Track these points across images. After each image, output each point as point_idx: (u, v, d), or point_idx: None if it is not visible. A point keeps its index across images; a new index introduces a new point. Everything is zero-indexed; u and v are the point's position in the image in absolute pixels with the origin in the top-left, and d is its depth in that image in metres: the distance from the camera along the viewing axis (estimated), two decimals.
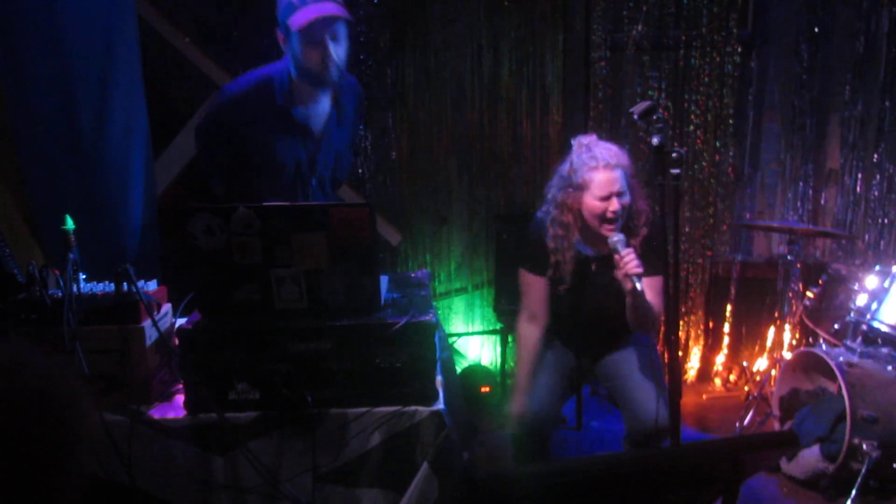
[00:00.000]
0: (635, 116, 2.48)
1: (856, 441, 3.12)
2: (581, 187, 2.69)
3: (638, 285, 2.54)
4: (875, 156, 4.37)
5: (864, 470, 3.06)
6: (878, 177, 4.39)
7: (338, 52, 2.56)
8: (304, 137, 2.72)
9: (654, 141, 2.28)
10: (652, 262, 2.64)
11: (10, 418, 1.06)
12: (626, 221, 2.69)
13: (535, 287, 2.90)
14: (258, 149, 2.69)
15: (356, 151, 4.24)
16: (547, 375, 2.94)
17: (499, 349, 4.32)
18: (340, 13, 2.54)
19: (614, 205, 2.64)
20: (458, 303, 4.62)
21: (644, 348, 2.92)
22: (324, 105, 2.72)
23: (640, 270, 2.55)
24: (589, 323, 2.92)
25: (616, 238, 2.62)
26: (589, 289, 2.85)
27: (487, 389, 4.24)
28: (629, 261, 2.56)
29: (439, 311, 4.51)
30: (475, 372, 4.35)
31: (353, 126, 2.84)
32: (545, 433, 2.95)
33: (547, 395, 2.89)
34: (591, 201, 2.67)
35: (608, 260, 2.73)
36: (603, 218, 2.66)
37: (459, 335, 4.56)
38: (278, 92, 2.63)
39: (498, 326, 4.28)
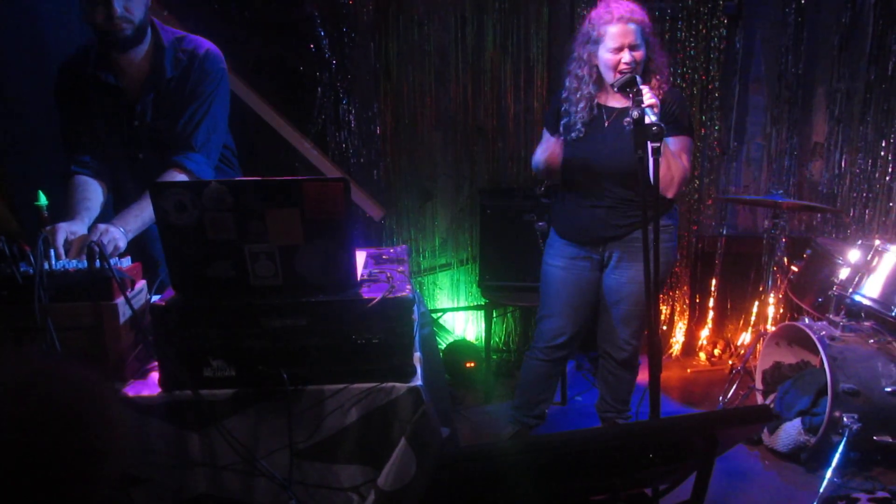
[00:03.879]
0: (615, 89, 2.46)
1: (837, 414, 3.14)
2: (597, 41, 2.80)
3: (653, 117, 2.43)
4: (861, 129, 4.36)
5: (843, 442, 3.09)
6: (862, 150, 4.38)
7: (128, 5, 2.32)
8: (121, 106, 2.54)
9: (634, 114, 2.26)
10: (673, 121, 2.80)
11: (37, 431, 1.05)
12: (634, 76, 2.59)
13: (549, 142, 3.06)
14: (82, 117, 2.56)
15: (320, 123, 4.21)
16: (569, 312, 3.15)
17: (484, 324, 4.32)
18: None
19: (626, 56, 2.74)
20: (444, 278, 4.61)
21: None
22: (140, 69, 2.52)
23: (654, 101, 2.49)
24: (602, 176, 2.94)
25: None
26: (602, 141, 2.91)
27: (472, 365, 4.25)
28: (645, 93, 2.52)
29: (424, 287, 4.50)
30: (460, 347, 4.35)
31: (192, 94, 2.55)
32: (562, 364, 3.37)
33: (570, 331, 3.19)
34: (605, 54, 2.79)
35: (622, 114, 2.83)
36: (616, 70, 2.76)
37: (444, 311, 4.55)
38: (91, 58, 2.48)
39: (483, 302, 4.28)
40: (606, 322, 3.22)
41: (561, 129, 3.01)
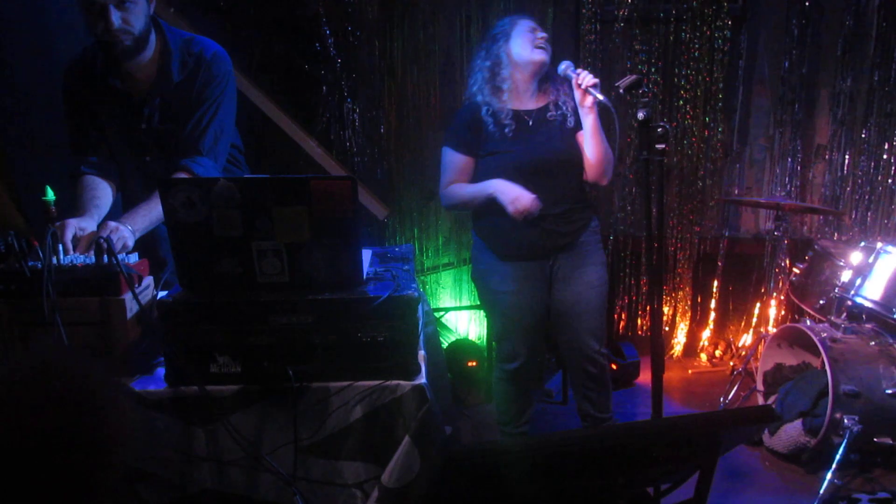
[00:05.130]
0: (621, 90, 2.47)
1: (837, 415, 3.15)
2: (510, 33, 2.86)
3: (599, 97, 2.65)
4: (863, 131, 4.36)
5: (844, 443, 3.09)
6: (865, 152, 4.39)
7: (126, 17, 2.31)
8: (128, 109, 2.55)
9: (640, 115, 2.27)
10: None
11: (44, 420, 1.07)
12: (641, 77, 2.60)
13: (457, 165, 2.94)
14: (89, 119, 2.57)
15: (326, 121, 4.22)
16: (528, 335, 3.06)
17: (486, 324, 4.33)
18: None
19: (541, 32, 2.84)
20: (446, 277, 4.62)
21: (596, 267, 3.01)
22: (147, 72, 2.52)
23: (596, 81, 2.68)
24: (540, 175, 2.83)
25: (565, 64, 2.79)
26: (531, 142, 2.85)
27: (474, 364, 4.25)
28: (584, 75, 2.70)
29: (427, 286, 4.51)
30: (462, 346, 4.36)
31: (199, 97, 2.55)
32: (532, 378, 3.22)
33: (533, 350, 3.10)
34: (521, 35, 2.84)
35: (542, 111, 2.90)
36: (534, 45, 2.82)
37: (447, 310, 4.56)
38: (98, 62, 2.50)
39: None
40: (572, 341, 3.04)
41: (482, 141, 2.87)
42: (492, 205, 2.83)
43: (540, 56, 2.82)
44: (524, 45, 2.82)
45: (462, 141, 2.91)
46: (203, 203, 1.79)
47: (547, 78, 2.92)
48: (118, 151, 2.61)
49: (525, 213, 2.73)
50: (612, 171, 2.91)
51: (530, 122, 2.87)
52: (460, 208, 3.05)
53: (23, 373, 1.11)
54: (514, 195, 2.74)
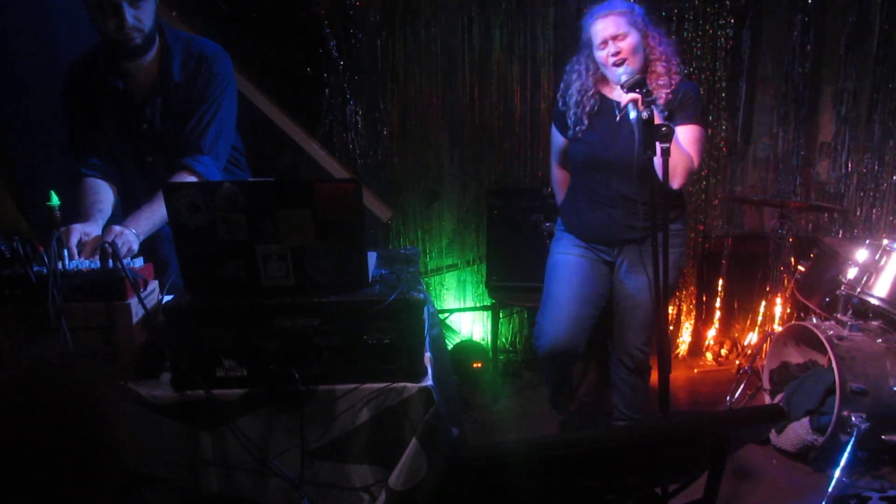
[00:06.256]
0: (625, 90, 2.46)
1: (845, 413, 3.13)
2: (589, 44, 2.82)
3: (632, 114, 2.56)
4: (867, 129, 4.35)
5: (852, 441, 3.08)
6: (869, 150, 4.37)
7: (138, 15, 2.33)
8: (129, 109, 2.55)
9: (643, 114, 2.26)
10: (681, 113, 2.75)
11: (38, 424, 1.08)
12: (644, 76, 2.63)
13: (558, 145, 3.12)
14: (90, 120, 2.57)
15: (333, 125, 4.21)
16: (575, 304, 2.99)
17: (490, 325, 4.32)
18: None
19: (612, 48, 2.72)
20: (450, 279, 4.61)
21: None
22: (148, 73, 2.52)
23: (633, 97, 2.55)
24: (616, 172, 2.84)
25: (622, 71, 2.67)
26: (613, 135, 2.83)
27: (479, 365, 4.25)
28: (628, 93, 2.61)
29: (431, 288, 4.51)
30: (467, 348, 4.35)
31: (200, 97, 2.56)
32: (568, 362, 3.22)
33: (573, 326, 2.98)
34: (596, 53, 2.79)
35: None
36: (608, 66, 2.75)
37: (451, 311, 4.56)
38: (99, 62, 2.50)
39: (489, 302, 4.28)
40: (619, 328, 3.11)
41: (570, 125, 2.93)
42: (572, 186, 3.07)
43: (619, 79, 2.66)
44: (603, 65, 2.79)
45: (559, 122, 3.03)
46: (207, 207, 1.79)
47: (645, 69, 2.80)
48: (120, 152, 2.62)
49: None
50: (680, 178, 2.74)
51: (618, 116, 2.82)
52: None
53: (17, 377, 1.11)
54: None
